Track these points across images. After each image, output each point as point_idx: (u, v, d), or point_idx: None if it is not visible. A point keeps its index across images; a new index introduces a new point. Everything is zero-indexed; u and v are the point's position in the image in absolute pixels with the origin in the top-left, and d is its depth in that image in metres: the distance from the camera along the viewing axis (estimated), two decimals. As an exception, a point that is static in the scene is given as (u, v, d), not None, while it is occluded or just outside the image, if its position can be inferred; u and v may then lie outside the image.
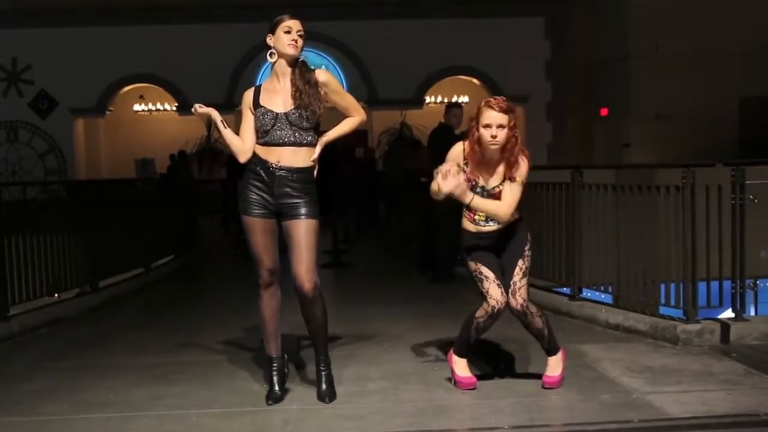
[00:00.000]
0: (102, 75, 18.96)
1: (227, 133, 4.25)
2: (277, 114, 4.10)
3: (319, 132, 4.22)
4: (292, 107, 4.10)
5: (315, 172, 4.23)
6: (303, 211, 4.14)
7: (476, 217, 4.29)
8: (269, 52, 4.16)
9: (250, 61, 18.76)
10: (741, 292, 5.50)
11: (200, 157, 18.86)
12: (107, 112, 19.96)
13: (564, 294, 6.59)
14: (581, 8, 18.24)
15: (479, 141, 4.14)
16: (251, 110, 4.18)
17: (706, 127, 16.10)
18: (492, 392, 4.33)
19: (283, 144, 4.11)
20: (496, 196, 4.20)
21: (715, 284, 5.50)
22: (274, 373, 4.30)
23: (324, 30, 18.01)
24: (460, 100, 18.44)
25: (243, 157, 4.21)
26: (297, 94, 4.10)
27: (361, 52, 19.08)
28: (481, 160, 4.19)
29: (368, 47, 18.84)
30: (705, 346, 5.24)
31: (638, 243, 5.84)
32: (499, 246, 4.33)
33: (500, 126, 4.08)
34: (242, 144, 4.21)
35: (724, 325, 5.35)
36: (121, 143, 20.23)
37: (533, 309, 4.27)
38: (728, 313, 5.57)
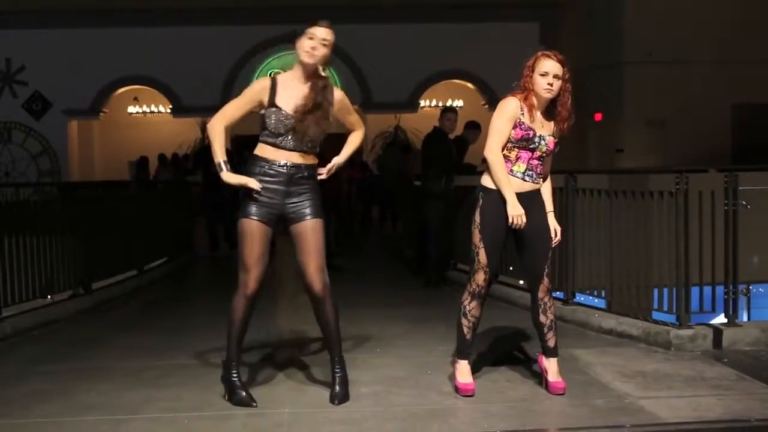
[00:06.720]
0: (96, 77, 18.96)
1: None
2: (294, 126, 4.07)
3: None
4: (310, 121, 4.07)
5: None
6: (309, 211, 4.16)
7: (514, 167, 4.21)
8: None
9: (245, 63, 18.78)
10: (734, 297, 5.52)
11: (195, 159, 18.79)
12: (101, 114, 19.94)
13: (557, 298, 6.58)
14: (575, 14, 18.29)
15: (533, 89, 4.16)
16: (262, 105, 4.12)
17: (699, 133, 16.14)
18: (484, 397, 4.33)
19: (293, 150, 4.13)
20: (551, 145, 4.22)
21: (707, 289, 5.51)
22: (235, 376, 4.30)
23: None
24: (454, 105, 18.50)
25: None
26: (315, 109, 4.08)
27: (356, 55, 19.08)
28: (534, 108, 4.21)
29: (363, 51, 18.84)
30: (697, 352, 5.26)
31: (631, 248, 5.85)
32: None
33: (556, 76, 4.13)
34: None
35: (717, 331, 5.37)
36: (114, 145, 20.23)
37: (551, 299, 4.38)
38: (721, 319, 5.58)
